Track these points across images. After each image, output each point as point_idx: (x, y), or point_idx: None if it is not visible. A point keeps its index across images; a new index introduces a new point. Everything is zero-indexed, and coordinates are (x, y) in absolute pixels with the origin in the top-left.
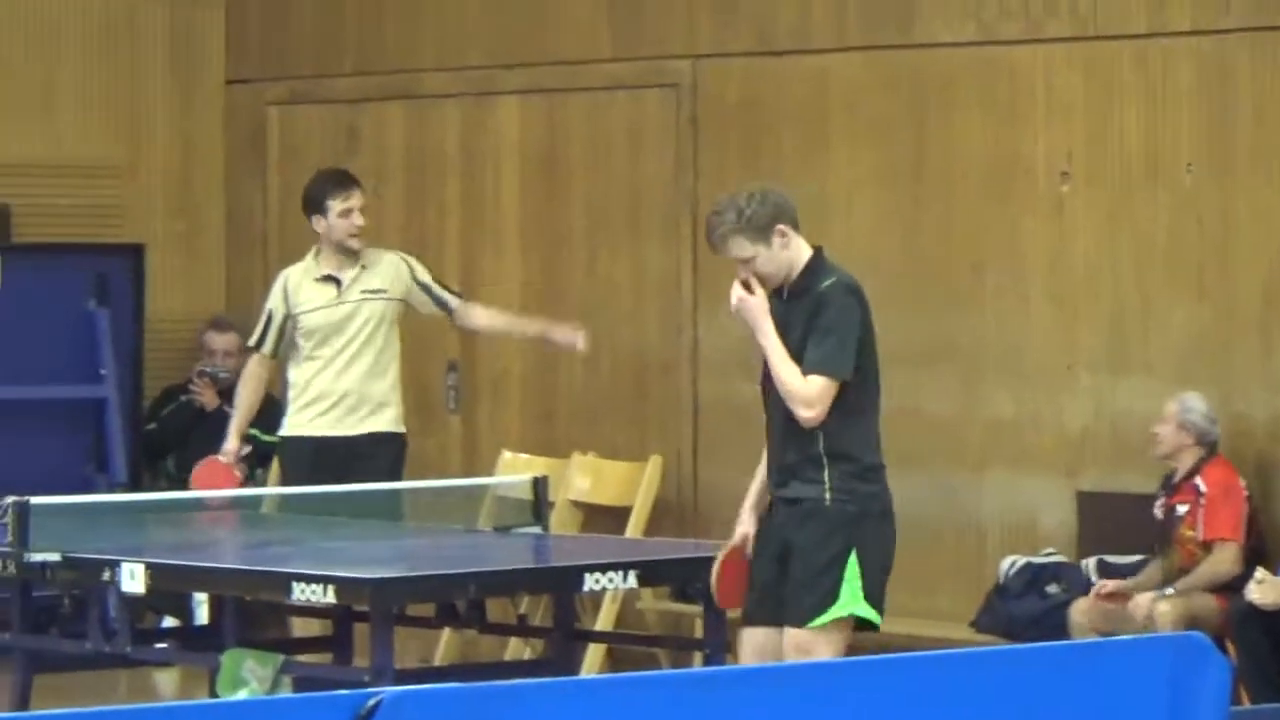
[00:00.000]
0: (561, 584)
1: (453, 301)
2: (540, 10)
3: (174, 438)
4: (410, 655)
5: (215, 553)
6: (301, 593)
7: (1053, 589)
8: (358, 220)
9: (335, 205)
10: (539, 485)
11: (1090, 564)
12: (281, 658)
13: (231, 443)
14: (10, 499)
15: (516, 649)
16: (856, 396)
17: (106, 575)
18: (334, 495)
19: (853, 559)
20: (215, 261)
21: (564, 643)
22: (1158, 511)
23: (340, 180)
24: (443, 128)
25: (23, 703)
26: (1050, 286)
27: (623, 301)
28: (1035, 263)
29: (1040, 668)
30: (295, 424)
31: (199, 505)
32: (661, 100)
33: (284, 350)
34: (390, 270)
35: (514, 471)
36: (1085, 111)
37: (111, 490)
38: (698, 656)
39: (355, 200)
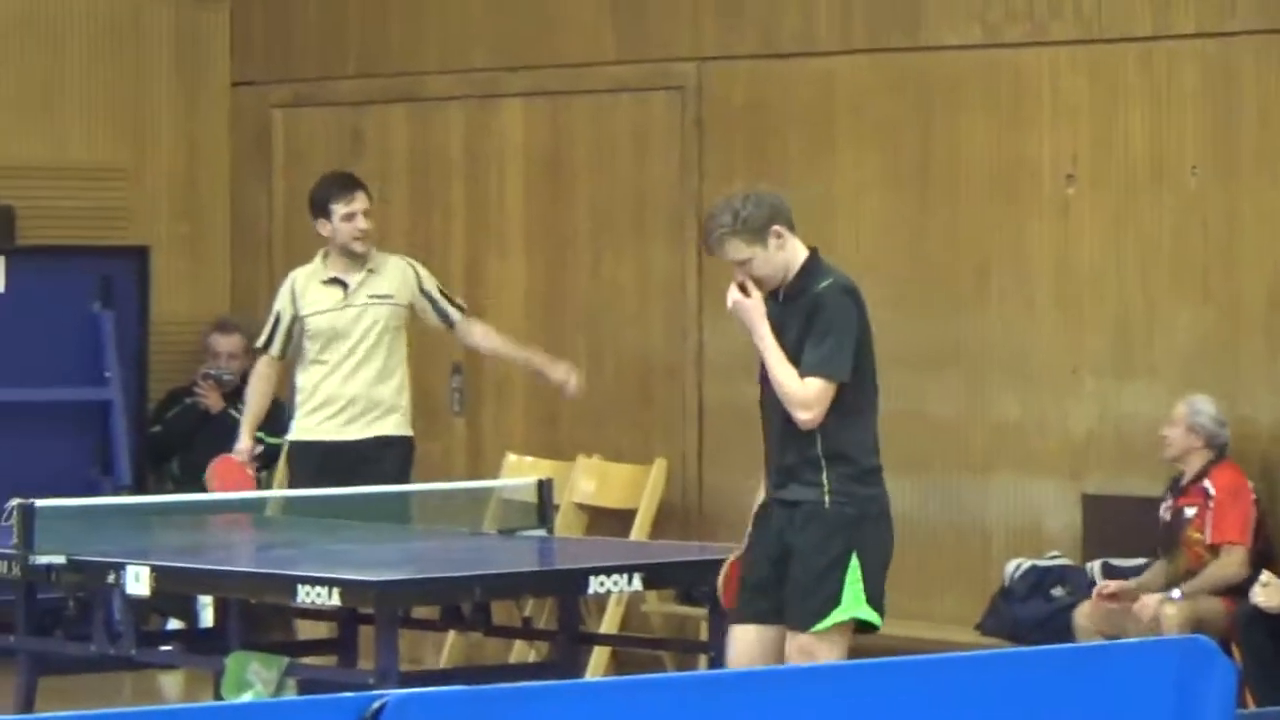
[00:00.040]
0: (566, 587)
1: (455, 315)
2: (544, 12)
3: (179, 440)
4: (415, 658)
5: (220, 555)
6: (306, 595)
7: (1058, 592)
8: (361, 224)
9: (339, 209)
10: (544, 488)
11: (1095, 567)
12: (286, 660)
13: (244, 441)
14: (15, 501)
15: (521, 652)
16: (854, 398)
17: (111, 578)
18: (338, 498)
19: (854, 562)
20: (220, 264)
21: (569, 645)
22: (1164, 513)
23: (344, 183)
24: (447, 130)
25: (27, 705)
26: (1055, 289)
27: (627, 304)
28: (1040, 265)
29: (1045, 671)
30: (303, 428)
31: (204, 508)
32: (666, 103)
33: (292, 353)
34: (397, 275)
35: (519, 474)
36: (1090, 114)
37: (116, 493)
38: (702, 659)
39: (359, 203)
